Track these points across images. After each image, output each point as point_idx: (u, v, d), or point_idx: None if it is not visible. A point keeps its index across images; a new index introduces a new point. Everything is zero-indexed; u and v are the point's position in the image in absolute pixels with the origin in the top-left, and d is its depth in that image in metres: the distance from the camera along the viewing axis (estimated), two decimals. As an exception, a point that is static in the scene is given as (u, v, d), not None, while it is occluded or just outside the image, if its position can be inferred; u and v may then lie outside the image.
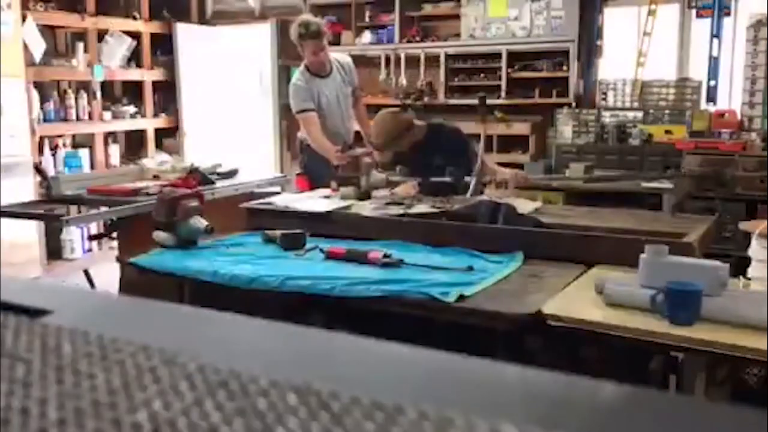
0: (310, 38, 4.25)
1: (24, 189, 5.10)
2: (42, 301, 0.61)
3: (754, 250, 2.25)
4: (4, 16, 5.27)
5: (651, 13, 5.49)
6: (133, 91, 6.84)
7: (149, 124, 6.81)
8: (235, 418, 0.41)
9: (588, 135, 5.46)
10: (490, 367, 0.50)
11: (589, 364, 2.21)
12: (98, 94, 6.34)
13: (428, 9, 6.25)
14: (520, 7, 5.80)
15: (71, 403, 0.43)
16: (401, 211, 3.06)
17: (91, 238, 5.55)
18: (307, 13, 4.85)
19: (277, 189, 4.49)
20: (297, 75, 4.46)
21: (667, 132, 5.18)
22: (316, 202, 3.30)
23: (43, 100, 5.95)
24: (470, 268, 2.41)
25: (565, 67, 5.69)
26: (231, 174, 4.48)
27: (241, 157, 6.10)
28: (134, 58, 6.69)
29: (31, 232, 5.45)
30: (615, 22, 5.83)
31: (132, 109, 6.70)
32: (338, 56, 4.57)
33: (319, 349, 0.55)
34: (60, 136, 6.18)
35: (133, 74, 6.70)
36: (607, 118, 5.47)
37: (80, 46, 6.18)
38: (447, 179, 3.47)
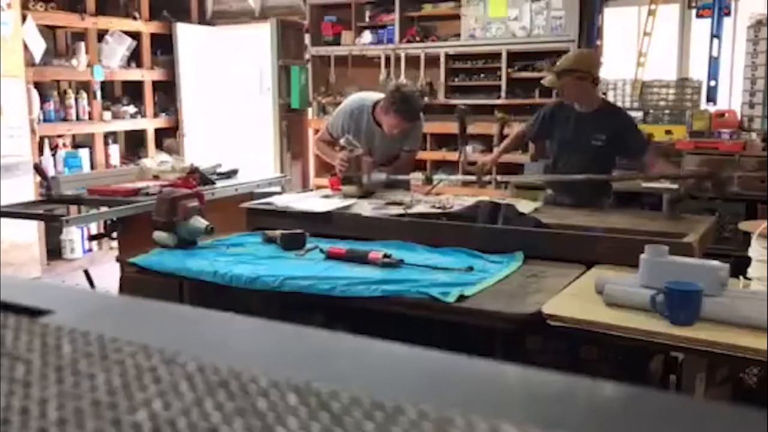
0: (405, 118, 3.67)
1: (24, 189, 5.10)
2: (42, 301, 0.61)
3: (754, 250, 2.25)
4: (4, 16, 5.27)
5: (651, 13, 5.48)
6: (133, 91, 6.84)
7: (149, 124, 6.81)
8: (235, 418, 0.41)
9: (588, 135, 5.45)
10: (490, 367, 0.50)
11: (589, 364, 2.21)
12: (98, 94, 6.34)
13: (428, 9, 6.24)
14: (520, 7, 5.80)
15: (71, 403, 0.43)
16: (401, 211, 3.06)
17: (91, 238, 5.55)
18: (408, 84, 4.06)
19: (277, 189, 4.49)
20: (359, 102, 3.89)
21: (667, 132, 5.18)
22: (316, 202, 3.30)
23: (43, 100, 5.95)
24: (470, 268, 2.41)
25: (565, 67, 5.68)
26: (231, 174, 4.48)
27: (241, 157, 6.10)
28: (134, 58, 6.69)
29: (31, 232, 5.45)
30: (615, 22, 5.83)
31: (132, 109, 6.70)
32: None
33: (319, 349, 0.55)
34: (60, 136, 6.18)
35: (133, 74, 6.70)
36: (607, 118, 5.46)
37: (80, 46, 6.18)
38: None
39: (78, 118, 6.21)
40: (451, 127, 5.83)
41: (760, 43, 4.96)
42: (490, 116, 5.27)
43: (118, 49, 6.49)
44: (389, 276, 2.34)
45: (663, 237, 2.48)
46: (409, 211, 3.07)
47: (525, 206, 3.18)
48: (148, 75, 6.76)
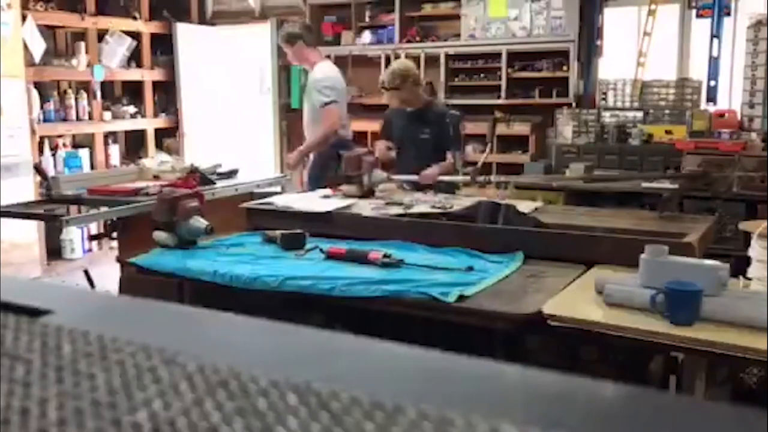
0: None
1: (24, 189, 5.09)
2: (42, 301, 0.61)
3: (754, 250, 2.25)
4: (4, 16, 5.27)
5: (651, 13, 5.49)
6: (133, 91, 6.84)
7: (149, 124, 6.81)
8: (235, 418, 0.41)
9: (588, 135, 5.46)
10: (490, 367, 0.50)
11: (589, 364, 2.21)
12: (98, 94, 6.34)
13: (428, 9, 6.25)
14: (520, 7, 5.80)
15: (71, 403, 0.43)
16: (401, 211, 3.06)
17: (91, 238, 5.55)
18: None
19: (277, 189, 4.49)
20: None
21: (667, 132, 5.18)
22: (316, 202, 3.30)
23: (43, 100, 5.94)
24: (470, 268, 2.41)
25: (565, 67, 5.69)
26: (231, 174, 4.48)
27: (241, 157, 6.10)
28: (134, 58, 6.69)
29: (31, 232, 5.45)
30: (615, 22, 5.83)
31: (132, 109, 6.70)
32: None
33: (319, 349, 0.55)
34: (60, 136, 6.17)
35: (133, 74, 6.69)
36: (607, 118, 5.47)
37: (80, 46, 6.18)
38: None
39: (78, 118, 6.20)
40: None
41: (760, 43, 4.96)
42: (490, 116, 5.27)
43: (118, 49, 6.49)
44: (389, 276, 2.34)
45: (663, 237, 2.48)
46: (409, 211, 3.07)
47: (525, 206, 3.17)
48: (148, 75, 6.76)
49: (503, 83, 5.82)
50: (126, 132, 6.84)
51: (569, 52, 5.64)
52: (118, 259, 3.26)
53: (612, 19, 5.81)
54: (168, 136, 6.98)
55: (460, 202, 3.25)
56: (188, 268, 2.55)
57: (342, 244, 2.69)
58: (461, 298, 2.13)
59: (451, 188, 3.79)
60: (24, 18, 5.55)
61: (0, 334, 0.54)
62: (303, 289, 2.30)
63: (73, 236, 5.95)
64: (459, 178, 3.78)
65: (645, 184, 4.57)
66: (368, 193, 3.42)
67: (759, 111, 5.04)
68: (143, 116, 6.76)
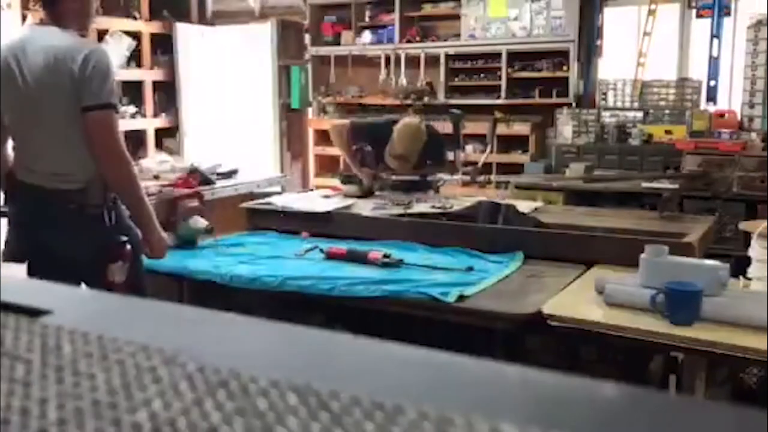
0: None
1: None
2: (42, 301, 0.61)
3: (754, 250, 2.25)
4: (4, 16, 5.27)
5: (651, 13, 5.48)
6: (133, 91, 6.84)
7: (149, 124, 6.80)
8: (235, 418, 0.41)
9: (588, 135, 5.46)
10: (490, 367, 0.50)
11: (589, 364, 2.21)
12: (98, 94, 6.33)
13: (428, 9, 6.24)
14: (520, 7, 5.80)
15: (71, 403, 0.43)
16: (401, 211, 3.06)
17: (91, 238, 5.53)
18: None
19: (277, 189, 4.49)
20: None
21: (667, 132, 5.18)
22: (316, 202, 3.30)
23: (44, 100, 5.94)
24: (470, 268, 2.41)
25: (565, 67, 5.69)
26: (231, 174, 4.48)
27: (241, 157, 6.09)
28: (134, 58, 6.69)
29: (31, 232, 5.44)
30: (615, 22, 5.83)
31: (132, 109, 6.70)
32: None
33: (319, 349, 0.55)
34: (60, 136, 6.17)
35: (133, 74, 6.69)
36: (607, 118, 5.47)
37: (80, 46, 6.17)
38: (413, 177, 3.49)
39: (78, 118, 6.20)
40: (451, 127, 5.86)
41: (760, 43, 4.96)
42: (490, 116, 5.27)
43: (118, 49, 6.49)
44: (389, 276, 2.34)
45: (663, 237, 2.48)
46: (409, 211, 3.07)
47: (525, 206, 3.17)
48: (148, 75, 6.75)
49: (503, 83, 5.82)
50: (126, 132, 6.83)
51: (569, 52, 5.64)
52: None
53: (612, 19, 5.80)
54: (168, 136, 6.97)
55: (460, 202, 3.25)
56: (188, 268, 2.55)
57: (342, 244, 2.69)
58: (461, 298, 2.14)
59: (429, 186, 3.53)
60: (24, 18, 5.55)
61: (0, 334, 0.54)
62: (303, 289, 2.30)
63: (73, 236, 5.94)
64: (457, 177, 3.75)
65: (645, 184, 4.57)
66: (368, 193, 3.42)
67: (759, 111, 5.04)
68: (143, 116, 6.75)
